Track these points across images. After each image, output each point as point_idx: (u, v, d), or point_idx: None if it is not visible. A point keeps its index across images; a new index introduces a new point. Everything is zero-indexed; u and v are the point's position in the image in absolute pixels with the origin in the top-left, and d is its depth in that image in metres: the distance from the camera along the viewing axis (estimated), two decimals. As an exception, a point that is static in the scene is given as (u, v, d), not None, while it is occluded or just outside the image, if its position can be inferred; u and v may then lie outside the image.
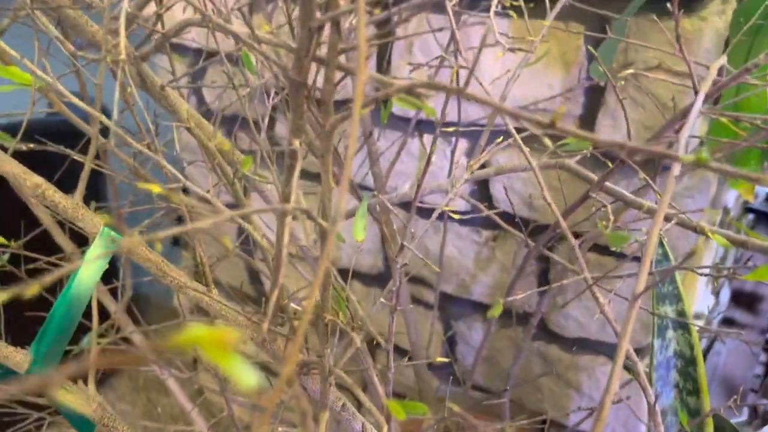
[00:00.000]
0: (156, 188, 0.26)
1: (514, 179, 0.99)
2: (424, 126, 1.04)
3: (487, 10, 0.87)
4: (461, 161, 1.00)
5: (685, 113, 0.43)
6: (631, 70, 0.49)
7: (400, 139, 1.04)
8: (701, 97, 0.41)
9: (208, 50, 1.20)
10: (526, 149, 0.53)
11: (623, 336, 0.30)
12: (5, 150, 0.81)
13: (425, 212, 1.12)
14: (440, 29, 0.47)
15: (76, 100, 0.42)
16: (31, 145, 0.75)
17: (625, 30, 0.80)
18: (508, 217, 1.01)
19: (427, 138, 1.05)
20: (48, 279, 0.18)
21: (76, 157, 0.83)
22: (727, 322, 1.58)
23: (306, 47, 0.32)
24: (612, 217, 0.45)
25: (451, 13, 0.53)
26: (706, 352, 1.48)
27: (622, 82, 0.65)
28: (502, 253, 1.06)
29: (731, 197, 1.05)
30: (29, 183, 0.44)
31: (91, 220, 0.46)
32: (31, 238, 0.79)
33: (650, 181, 0.48)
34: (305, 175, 1.25)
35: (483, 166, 0.93)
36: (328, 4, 0.31)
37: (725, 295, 1.53)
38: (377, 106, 1.04)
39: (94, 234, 0.46)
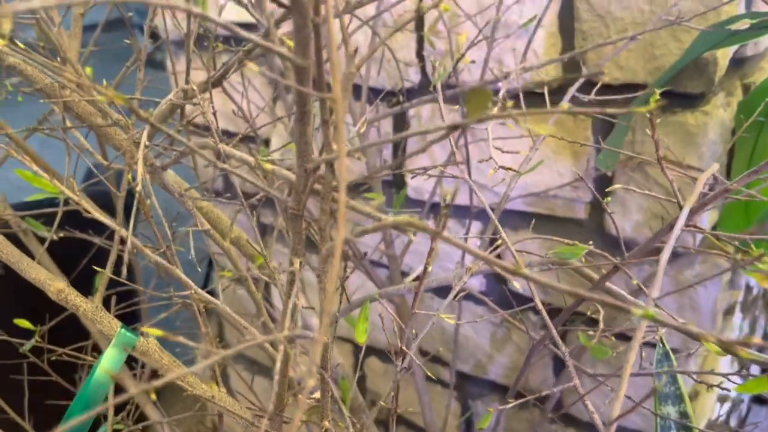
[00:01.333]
0: (156, 332, 0.29)
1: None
2: (438, 208, 1.07)
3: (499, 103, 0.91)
4: (475, 243, 1.02)
5: (671, 226, 0.45)
6: (617, 185, 0.51)
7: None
8: (685, 213, 0.43)
9: (230, 131, 1.26)
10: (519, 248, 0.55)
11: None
12: (42, 240, 0.85)
13: (442, 291, 1.13)
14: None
15: (98, 215, 0.45)
16: (62, 235, 0.79)
17: (630, 123, 0.83)
18: (523, 299, 1.02)
19: (442, 220, 1.07)
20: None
21: (100, 242, 0.87)
22: (758, 400, 1.53)
23: (303, 184, 0.35)
24: (602, 325, 0.46)
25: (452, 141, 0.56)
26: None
27: (609, 199, 0.67)
28: (518, 335, 1.07)
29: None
30: (53, 288, 0.48)
31: (108, 323, 0.49)
32: (55, 315, 0.83)
33: (643, 287, 0.50)
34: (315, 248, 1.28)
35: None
36: (323, 147, 0.35)
37: (755, 370, 1.50)
38: (392, 189, 1.08)
39: (111, 335, 0.49)
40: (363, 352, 0.68)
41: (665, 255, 0.38)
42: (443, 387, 1.19)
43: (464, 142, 0.92)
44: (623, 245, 0.90)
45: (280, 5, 0.27)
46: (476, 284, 1.06)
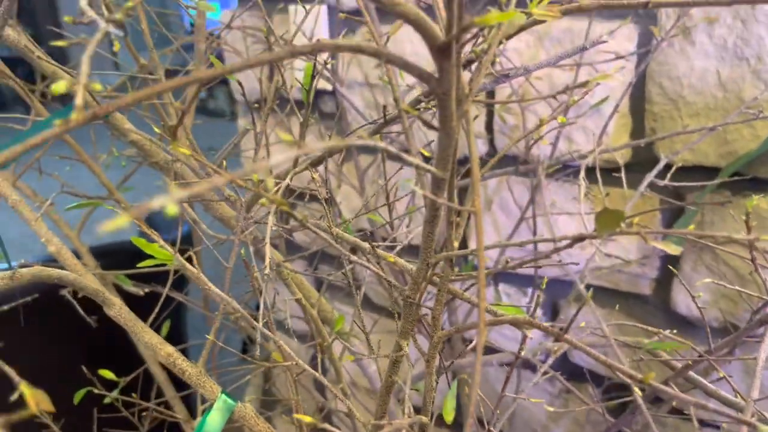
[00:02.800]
0: (309, 419, 0.31)
1: (587, 334, 1.00)
2: (500, 276, 1.08)
3: (568, 175, 0.94)
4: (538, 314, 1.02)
5: (762, 322, 0.46)
6: (707, 280, 0.52)
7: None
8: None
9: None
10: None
11: None
12: (122, 291, 0.89)
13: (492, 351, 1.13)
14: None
15: (212, 287, 0.49)
16: (147, 289, 0.83)
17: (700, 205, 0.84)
18: (583, 371, 1.02)
19: (503, 287, 1.09)
20: None
21: (182, 299, 0.91)
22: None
23: (423, 275, 0.38)
24: (695, 418, 0.47)
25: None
26: None
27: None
28: (576, 405, 1.06)
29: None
30: (163, 352, 0.51)
31: (210, 387, 0.51)
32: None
33: (728, 379, 0.50)
34: (370, 306, 1.31)
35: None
36: (445, 244, 0.37)
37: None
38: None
39: (212, 399, 0.52)
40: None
41: (762, 356, 0.39)
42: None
43: (532, 214, 0.94)
44: (690, 324, 0.90)
45: (430, 127, 0.31)
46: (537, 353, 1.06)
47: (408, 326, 0.41)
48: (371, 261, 0.43)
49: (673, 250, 0.27)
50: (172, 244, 0.63)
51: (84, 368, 0.64)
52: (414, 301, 0.39)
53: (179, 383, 0.97)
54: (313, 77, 0.46)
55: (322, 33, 1.10)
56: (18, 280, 0.38)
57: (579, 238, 0.32)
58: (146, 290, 0.83)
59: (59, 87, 0.22)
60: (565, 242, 0.32)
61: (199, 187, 0.18)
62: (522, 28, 0.33)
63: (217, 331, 0.53)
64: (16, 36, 0.50)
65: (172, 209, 0.16)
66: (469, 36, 0.40)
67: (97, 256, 1.07)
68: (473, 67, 0.44)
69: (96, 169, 0.71)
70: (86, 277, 0.49)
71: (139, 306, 0.78)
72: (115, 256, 1.18)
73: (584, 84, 0.37)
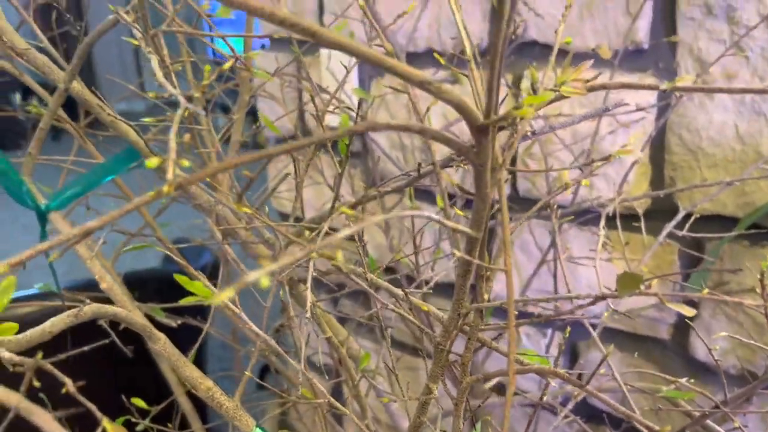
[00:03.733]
0: None
1: (607, 378, 1.02)
2: (520, 317, 1.10)
3: (588, 222, 0.96)
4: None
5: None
6: (723, 333, 0.54)
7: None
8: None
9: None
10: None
11: None
12: (155, 322, 0.92)
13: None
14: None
15: (252, 325, 0.52)
16: (180, 322, 0.87)
17: (720, 253, 0.86)
18: (602, 413, 1.03)
19: (523, 328, 1.11)
20: None
21: (209, 329, 0.94)
22: None
23: (454, 324, 0.41)
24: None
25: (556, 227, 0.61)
26: None
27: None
28: (594, 448, 1.07)
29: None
30: (203, 387, 0.54)
31: (246, 421, 0.54)
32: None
33: (743, 429, 0.52)
34: (392, 342, 1.33)
35: (579, 377, 0.97)
36: (475, 295, 0.40)
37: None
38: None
39: (247, 433, 0.54)
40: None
41: (776, 410, 0.41)
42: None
43: (554, 256, 0.97)
44: (709, 371, 0.91)
45: (467, 193, 0.34)
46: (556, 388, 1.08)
47: (438, 371, 0.44)
48: (402, 306, 0.46)
49: (687, 311, 0.30)
50: (209, 276, 0.66)
51: (120, 397, 0.67)
52: (445, 348, 0.42)
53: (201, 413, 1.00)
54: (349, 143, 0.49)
55: (352, 77, 1.14)
56: (81, 318, 0.42)
57: (600, 298, 0.34)
58: (179, 323, 0.86)
59: (152, 163, 0.25)
60: (587, 300, 0.35)
61: (286, 260, 0.21)
62: (549, 102, 0.37)
63: (253, 366, 0.56)
64: (81, 88, 0.55)
65: (265, 282, 0.20)
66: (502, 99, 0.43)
67: (127, 283, 1.11)
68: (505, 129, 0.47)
69: (142, 208, 0.75)
70: (134, 313, 0.52)
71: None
72: (144, 283, 1.22)
73: (607, 158, 0.40)
